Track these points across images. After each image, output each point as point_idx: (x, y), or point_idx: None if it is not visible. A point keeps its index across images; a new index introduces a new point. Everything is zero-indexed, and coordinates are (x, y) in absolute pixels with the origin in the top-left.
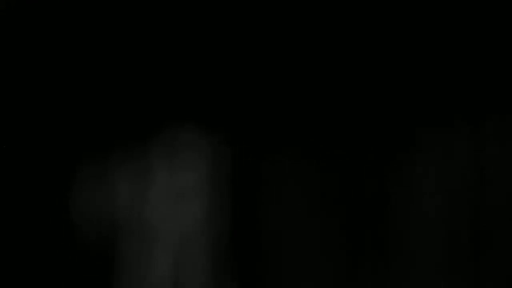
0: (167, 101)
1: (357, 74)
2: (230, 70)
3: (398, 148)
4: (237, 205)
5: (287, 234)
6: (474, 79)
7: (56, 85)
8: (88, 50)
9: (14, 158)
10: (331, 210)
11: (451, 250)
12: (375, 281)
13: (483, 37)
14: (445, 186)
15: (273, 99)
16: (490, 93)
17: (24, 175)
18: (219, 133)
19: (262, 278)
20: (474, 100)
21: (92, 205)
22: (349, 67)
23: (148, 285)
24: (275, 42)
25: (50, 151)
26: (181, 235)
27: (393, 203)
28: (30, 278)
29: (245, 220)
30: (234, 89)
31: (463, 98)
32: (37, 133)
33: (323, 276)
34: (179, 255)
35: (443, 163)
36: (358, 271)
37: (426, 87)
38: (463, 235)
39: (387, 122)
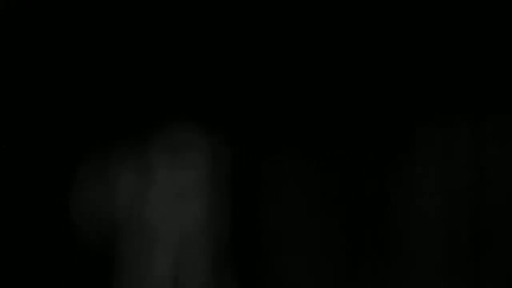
0: (167, 101)
1: (357, 75)
2: (230, 70)
3: (398, 148)
4: (237, 205)
5: (287, 234)
6: (474, 79)
7: (56, 85)
8: (88, 49)
9: (13, 158)
10: (331, 210)
11: (451, 250)
12: (375, 281)
13: (482, 36)
14: (445, 186)
15: (273, 99)
16: (490, 93)
17: (23, 175)
18: (219, 133)
19: (262, 278)
20: (474, 100)
21: (92, 205)
22: (349, 67)
23: (148, 285)
24: (274, 43)
25: (49, 151)
26: (181, 235)
27: (393, 203)
28: (30, 278)
29: (245, 220)
30: (234, 89)
31: (463, 98)
32: (36, 133)
33: (323, 276)
34: (179, 254)
35: (443, 163)
36: (358, 271)
37: (426, 87)
38: (463, 235)
39: (387, 122)
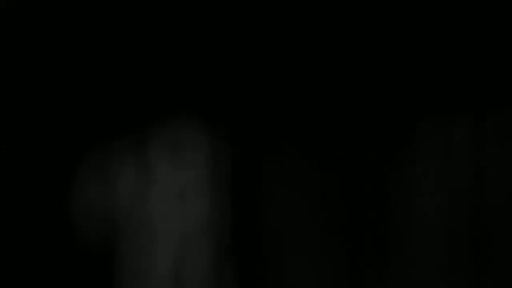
0: (167, 101)
1: (358, 75)
2: (230, 71)
3: (398, 148)
4: (237, 205)
5: (287, 234)
6: (473, 79)
7: (56, 85)
8: (88, 49)
9: (13, 158)
10: (331, 210)
11: (451, 250)
12: (375, 281)
13: (482, 36)
14: (445, 186)
15: (273, 99)
16: (490, 93)
17: (23, 175)
18: (219, 132)
19: (262, 278)
20: (474, 100)
21: (92, 205)
22: (349, 67)
23: (149, 285)
24: (274, 43)
25: (49, 150)
26: (181, 235)
27: (393, 203)
28: (30, 278)
29: (245, 220)
30: (235, 89)
31: (463, 98)
32: (35, 133)
33: (323, 276)
34: (179, 254)
35: (443, 163)
36: (358, 271)
37: (426, 87)
38: (463, 235)
39: (387, 122)
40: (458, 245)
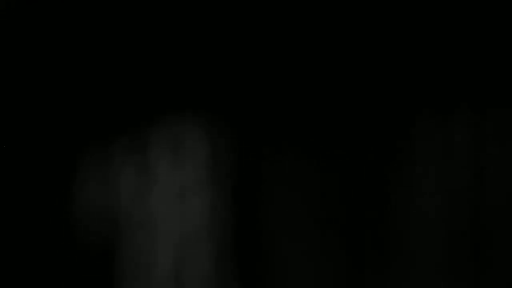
0: (168, 100)
1: (358, 75)
2: (232, 72)
3: (398, 148)
4: (237, 204)
5: (287, 234)
6: (474, 79)
7: (55, 84)
8: (87, 49)
9: (13, 158)
10: (331, 210)
11: (451, 250)
12: (375, 281)
13: (482, 36)
14: (445, 186)
15: (273, 99)
16: (490, 93)
17: (23, 174)
18: (219, 133)
19: (262, 277)
20: (474, 100)
21: (93, 204)
22: (350, 68)
23: (149, 284)
24: (274, 42)
25: (49, 150)
26: (182, 234)
27: (393, 203)
28: (30, 278)
29: (245, 220)
30: (235, 89)
31: (463, 98)
32: (36, 132)
33: (323, 276)
34: (180, 253)
35: (443, 163)
36: (358, 271)
37: (426, 88)
38: (463, 235)
39: (387, 122)
40: (458, 245)
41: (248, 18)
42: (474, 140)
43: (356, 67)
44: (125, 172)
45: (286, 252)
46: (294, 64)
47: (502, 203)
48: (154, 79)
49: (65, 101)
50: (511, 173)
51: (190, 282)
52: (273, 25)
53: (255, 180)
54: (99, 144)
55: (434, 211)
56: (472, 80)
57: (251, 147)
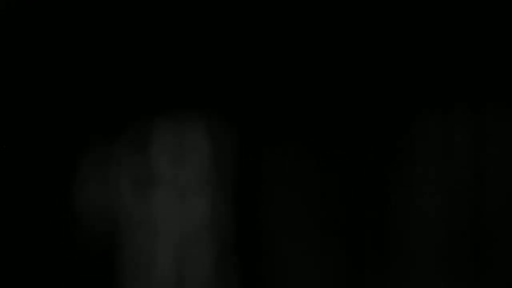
0: (168, 101)
1: (358, 75)
2: (232, 71)
3: (398, 148)
4: (237, 204)
5: (287, 234)
6: (474, 78)
7: (56, 84)
8: (87, 49)
9: (13, 158)
10: (331, 210)
11: (451, 250)
12: (375, 281)
13: (482, 36)
14: (445, 186)
15: (273, 99)
16: (490, 93)
17: (23, 174)
18: (220, 133)
19: (263, 277)
20: (475, 100)
21: (93, 204)
22: (350, 67)
23: (151, 283)
24: (275, 43)
25: (49, 150)
26: (183, 234)
27: (393, 203)
28: (31, 278)
29: (245, 220)
30: (235, 89)
31: (464, 98)
32: (36, 132)
33: (323, 276)
34: (181, 253)
35: (443, 163)
36: (358, 271)
37: (426, 88)
38: (463, 235)
39: (387, 122)
40: (458, 245)
41: (248, 18)
42: (474, 140)
43: (356, 67)
44: (125, 172)
45: (286, 252)
46: (294, 64)
47: (502, 203)
48: (154, 79)
49: (65, 101)
50: (511, 173)
51: (190, 282)
52: (274, 25)
53: (256, 180)
54: (99, 144)
55: (434, 211)
56: (472, 80)
57: (251, 147)
